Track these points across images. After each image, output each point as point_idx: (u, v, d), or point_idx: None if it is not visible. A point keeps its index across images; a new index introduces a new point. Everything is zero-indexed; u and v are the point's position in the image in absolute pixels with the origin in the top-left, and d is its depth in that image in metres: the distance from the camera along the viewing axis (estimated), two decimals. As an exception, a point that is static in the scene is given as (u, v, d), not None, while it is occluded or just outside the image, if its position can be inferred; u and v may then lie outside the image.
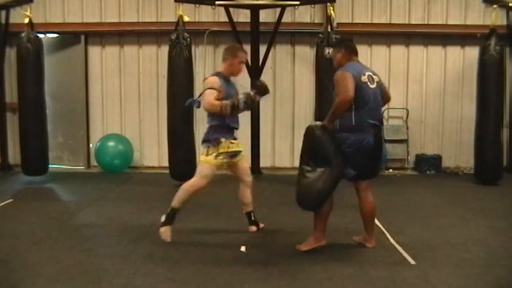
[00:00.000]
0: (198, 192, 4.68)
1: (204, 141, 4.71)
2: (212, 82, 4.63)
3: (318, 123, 4.38)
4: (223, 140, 4.64)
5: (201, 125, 8.52)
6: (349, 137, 4.25)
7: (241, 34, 7.83)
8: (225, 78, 4.74)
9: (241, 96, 4.57)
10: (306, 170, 4.25)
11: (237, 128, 4.85)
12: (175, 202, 4.65)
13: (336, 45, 4.82)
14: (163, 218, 4.65)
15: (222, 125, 4.66)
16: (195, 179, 4.65)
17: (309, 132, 4.30)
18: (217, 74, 4.77)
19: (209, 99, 4.54)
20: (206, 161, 4.64)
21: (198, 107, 4.79)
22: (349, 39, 4.92)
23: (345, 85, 4.21)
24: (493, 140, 7.34)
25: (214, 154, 4.62)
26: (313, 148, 4.26)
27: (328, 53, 7.05)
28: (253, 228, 5.01)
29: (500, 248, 4.60)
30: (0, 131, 8.33)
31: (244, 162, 4.96)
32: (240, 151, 4.82)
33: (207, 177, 4.64)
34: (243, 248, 4.47)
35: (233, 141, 4.75)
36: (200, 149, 4.92)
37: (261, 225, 5.08)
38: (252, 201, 4.99)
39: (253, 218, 5.03)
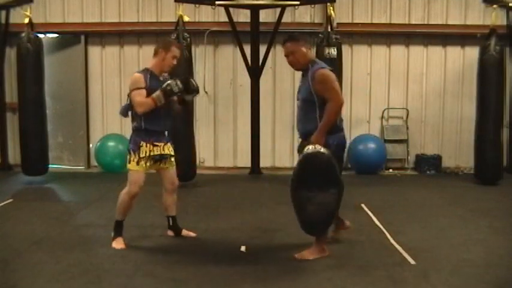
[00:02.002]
0: (135, 199, 4.55)
1: (128, 147, 4.48)
2: (136, 81, 4.32)
3: (312, 147, 4.05)
4: (143, 143, 4.36)
5: (201, 125, 8.57)
6: (335, 138, 4.20)
7: (241, 34, 7.83)
8: (153, 74, 4.42)
9: (170, 81, 4.29)
10: (310, 196, 4.03)
11: (161, 131, 4.50)
12: (117, 215, 4.57)
13: (297, 38, 4.37)
14: (113, 234, 4.56)
15: (141, 128, 4.37)
16: (127, 188, 4.49)
17: (312, 159, 4.01)
18: (144, 70, 4.45)
19: (138, 100, 4.26)
20: (131, 167, 4.42)
21: (126, 115, 4.46)
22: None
23: (336, 88, 4.13)
24: (493, 140, 7.34)
25: (136, 160, 4.37)
26: (320, 173, 4.02)
27: (329, 53, 7.08)
28: (171, 233, 4.80)
29: (500, 248, 4.60)
30: (0, 131, 8.33)
31: (171, 169, 4.61)
32: (166, 155, 4.50)
33: (136, 183, 4.42)
34: (243, 248, 4.47)
35: (157, 143, 4.43)
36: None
37: (190, 233, 4.82)
38: (175, 208, 4.76)
39: (171, 223, 4.79)
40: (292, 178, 4.08)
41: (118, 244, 4.50)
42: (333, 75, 4.17)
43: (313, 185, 4.02)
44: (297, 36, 4.41)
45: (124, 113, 4.49)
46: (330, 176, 4.04)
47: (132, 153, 4.40)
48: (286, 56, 4.31)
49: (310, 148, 4.02)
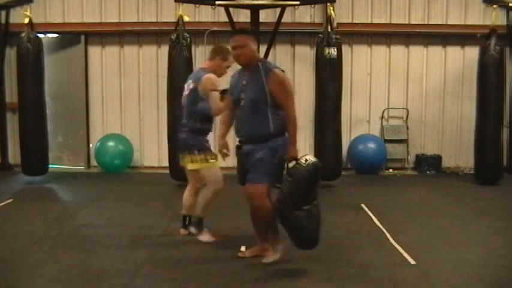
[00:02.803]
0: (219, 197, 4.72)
1: (198, 147, 4.55)
2: (215, 82, 4.47)
3: (294, 162, 3.85)
4: (206, 140, 4.64)
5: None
6: (284, 139, 4.00)
7: (241, 34, 7.82)
8: None
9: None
10: (307, 210, 3.83)
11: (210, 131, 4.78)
12: (202, 213, 4.66)
13: (248, 32, 4.26)
14: (194, 230, 4.69)
15: (197, 127, 4.57)
16: (211, 187, 4.57)
17: (305, 174, 3.80)
18: (206, 70, 4.57)
19: (220, 105, 4.40)
20: (205, 166, 4.56)
21: (196, 109, 4.60)
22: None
23: (293, 95, 4.08)
24: (493, 140, 7.34)
25: (210, 156, 4.57)
26: (314, 184, 3.87)
27: (329, 53, 7.07)
28: (184, 232, 4.84)
29: (500, 248, 4.60)
30: (0, 131, 8.33)
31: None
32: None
33: (219, 179, 4.60)
34: (243, 248, 4.47)
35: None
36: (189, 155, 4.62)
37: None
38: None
39: (187, 222, 4.83)
40: (286, 197, 3.79)
41: (209, 237, 4.62)
42: (290, 80, 4.19)
43: (310, 198, 3.86)
44: (248, 31, 4.39)
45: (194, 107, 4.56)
46: (317, 183, 3.92)
47: (201, 152, 4.53)
48: (234, 48, 4.05)
49: (297, 162, 3.82)
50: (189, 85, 4.61)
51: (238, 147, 4.13)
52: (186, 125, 4.60)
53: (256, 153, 3.94)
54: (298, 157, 3.87)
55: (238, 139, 4.14)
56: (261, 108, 3.94)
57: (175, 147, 4.78)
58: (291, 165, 3.86)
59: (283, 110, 3.95)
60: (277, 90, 3.93)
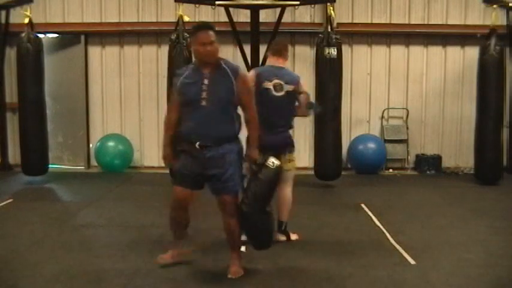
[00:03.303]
0: None
1: (293, 146, 4.66)
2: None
3: (261, 164, 3.85)
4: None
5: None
6: (240, 141, 3.97)
7: (241, 34, 7.82)
8: None
9: None
10: (270, 211, 3.91)
11: None
12: (288, 216, 4.66)
13: (212, 28, 4.08)
14: (283, 237, 4.70)
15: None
16: (291, 188, 4.63)
17: (273, 177, 3.81)
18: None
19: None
20: (293, 166, 4.66)
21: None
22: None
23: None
24: (493, 140, 7.34)
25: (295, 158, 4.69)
26: (275, 184, 3.92)
27: (329, 53, 7.07)
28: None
29: (500, 248, 4.61)
30: (0, 131, 8.33)
31: None
32: None
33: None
34: (243, 248, 4.46)
35: None
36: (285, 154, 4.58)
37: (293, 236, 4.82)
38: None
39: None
40: (252, 199, 3.76)
41: (295, 236, 4.69)
42: (248, 76, 4.27)
43: (271, 199, 3.89)
44: (212, 25, 4.16)
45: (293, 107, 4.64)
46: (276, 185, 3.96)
47: (293, 151, 4.59)
48: (207, 44, 3.85)
49: (265, 164, 3.80)
50: (282, 86, 4.50)
51: (195, 150, 3.75)
52: (284, 125, 4.59)
53: (227, 157, 3.74)
54: (271, 160, 3.83)
55: (197, 143, 3.75)
56: (227, 109, 3.78)
57: (266, 148, 4.24)
58: (255, 167, 3.82)
59: (245, 110, 3.86)
60: (245, 91, 3.84)
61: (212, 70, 3.79)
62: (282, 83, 4.50)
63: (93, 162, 8.64)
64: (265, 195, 3.79)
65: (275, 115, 4.49)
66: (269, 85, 4.47)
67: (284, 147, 4.57)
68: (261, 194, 3.76)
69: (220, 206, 3.84)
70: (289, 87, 4.52)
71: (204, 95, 3.72)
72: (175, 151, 3.88)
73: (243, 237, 4.03)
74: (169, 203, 4.03)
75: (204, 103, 3.71)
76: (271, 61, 4.67)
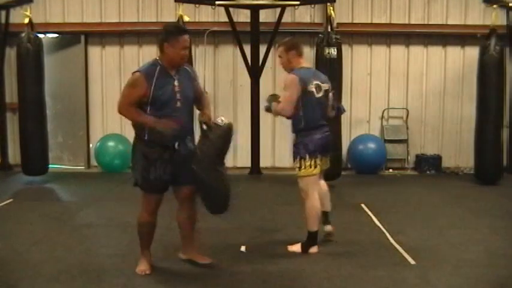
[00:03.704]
0: None
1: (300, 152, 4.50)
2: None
3: (219, 119, 3.86)
4: None
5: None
6: None
7: (241, 34, 7.83)
8: None
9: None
10: (222, 172, 3.86)
11: None
12: (312, 226, 4.42)
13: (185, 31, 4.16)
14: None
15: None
16: (307, 195, 4.48)
17: (221, 134, 3.81)
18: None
19: None
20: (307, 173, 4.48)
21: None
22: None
23: None
24: (493, 140, 7.33)
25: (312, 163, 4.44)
26: (227, 149, 3.89)
27: (329, 53, 7.07)
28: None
29: (500, 248, 4.60)
30: (0, 131, 8.33)
31: None
32: None
33: (315, 187, 4.47)
34: (243, 248, 4.47)
35: None
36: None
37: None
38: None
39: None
40: (203, 157, 3.75)
41: (314, 249, 4.41)
42: None
43: (222, 160, 3.87)
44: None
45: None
46: (229, 146, 3.88)
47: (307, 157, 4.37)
48: (186, 48, 3.96)
49: (214, 122, 3.83)
50: (320, 86, 4.45)
51: (172, 152, 3.80)
52: (327, 125, 4.52)
53: (192, 154, 3.80)
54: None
55: (176, 143, 3.81)
56: (192, 107, 3.96)
57: (319, 151, 4.37)
58: (206, 127, 3.82)
59: (201, 99, 4.00)
60: (198, 86, 4.05)
61: (177, 71, 3.86)
62: (319, 83, 4.46)
63: (93, 162, 8.64)
64: (214, 153, 3.77)
65: (321, 117, 4.45)
66: (312, 88, 4.40)
67: (330, 149, 4.56)
68: (208, 151, 3.76)
69: (190, 197, 3.94)
70: (324, 87, 4.49)
71: (178, 96, 3.79)
72: (145, 160, 3.80)
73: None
74: (139, 214, 4.02)
75: (179, 104, 3.79)
76: (301, 62, 4.52)
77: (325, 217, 4.64)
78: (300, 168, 4.37)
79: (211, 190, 3.82)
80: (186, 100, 3.83)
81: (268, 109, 4.62)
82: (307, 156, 4.32)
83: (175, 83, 3.81)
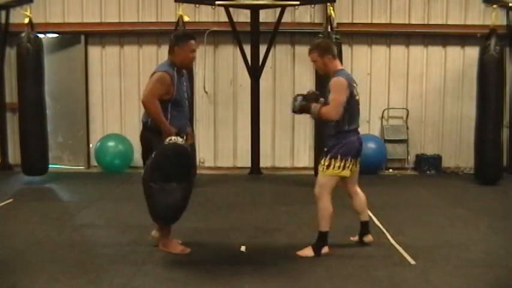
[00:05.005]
0: None
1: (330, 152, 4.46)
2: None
3: (177, 139, 4.20)
4: None
5: (201, 125, 8.56)
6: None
7: (241, 34, 7.83)
8: None
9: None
10: (165, 188, 4.18)
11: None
12: (323, 227, 4.39)
13: None
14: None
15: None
16: (324, 195, 4.47)
17: (183, 152, 4.18)
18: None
19: None
20: (331, 173, 4.43)
21: None
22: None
23: None
24: (493, 140, 7.34)
25: (340, 164, 4.38)
26: (178, 165, 4.15)
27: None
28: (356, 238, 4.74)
29: (500, 248, 4.61)
30: (0, 131, 8.33)
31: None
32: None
33: (331, 189, 4.47)
34: (243, 248, 4.47)
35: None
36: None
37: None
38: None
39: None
40: (147, 168, 4.25)
41: (326, 250, 4.38)
42: None
43: (169, 176, 4.15)
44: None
45: None
46: (182, 166, 4.19)
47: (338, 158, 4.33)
48: (194, 51, 4.43)
49: (172, 139, 4.17)
50: (356, 88, 4.43)
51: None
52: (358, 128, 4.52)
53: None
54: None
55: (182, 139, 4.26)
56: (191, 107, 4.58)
57: (352, 152, 4.35)
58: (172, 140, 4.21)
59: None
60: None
61: (182, 73, 4.38)
62: (356, 85, 4.43)
63: (93, 162, 8.64)
64: (155, 166, 4.14)
65: (359, 119, 4.47)
66: (355, 91, 4.39)
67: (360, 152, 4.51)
68: (151, 163, 4.16)
69: None
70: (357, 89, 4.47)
71: (186, 95, 4.39)
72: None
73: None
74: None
75: (187, 103, 4.42)
76: (337, 64, 4.47)
77: (365, 227, 4.66)
78: (328, 166, 4.32)
79: (148, 199, 4.31)
80: (188, 99, 4.43)
81: (303, 110, 4.43)
82: (339, 157, 4.29)
83: (184, 83, 4.37)
